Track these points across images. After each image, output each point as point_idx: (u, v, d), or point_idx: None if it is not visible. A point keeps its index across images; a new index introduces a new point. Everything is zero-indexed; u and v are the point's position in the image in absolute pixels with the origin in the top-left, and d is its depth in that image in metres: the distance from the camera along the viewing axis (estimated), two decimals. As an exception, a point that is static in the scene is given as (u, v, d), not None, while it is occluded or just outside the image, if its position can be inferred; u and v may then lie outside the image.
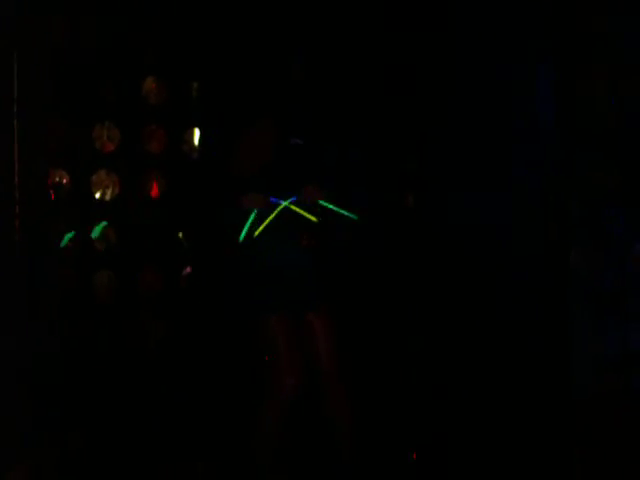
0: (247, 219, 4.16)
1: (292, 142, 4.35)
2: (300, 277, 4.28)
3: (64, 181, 5.02)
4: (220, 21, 5.17)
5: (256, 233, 4.18)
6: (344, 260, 4.94)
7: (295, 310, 4.29)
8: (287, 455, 4.46)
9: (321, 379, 4.28)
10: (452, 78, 5.24)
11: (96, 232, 4.68)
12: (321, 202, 4.27)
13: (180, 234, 5.19)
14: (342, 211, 4.30)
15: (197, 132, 5.24)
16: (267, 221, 4.18)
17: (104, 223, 4.68)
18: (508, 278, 5.01)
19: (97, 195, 5.10)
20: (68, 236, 4.63)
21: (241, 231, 4.18)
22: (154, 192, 5.18)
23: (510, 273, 5.02)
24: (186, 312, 5.19)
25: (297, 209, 4.23)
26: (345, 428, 4.29)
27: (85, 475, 4.62)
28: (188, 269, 5.16)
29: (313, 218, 4.24)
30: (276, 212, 4.19)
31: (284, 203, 4.20)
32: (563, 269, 4.90)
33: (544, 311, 4.88)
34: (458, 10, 5.18)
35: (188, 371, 5.14)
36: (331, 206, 4.29)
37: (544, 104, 4.98)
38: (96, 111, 5.10)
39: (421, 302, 5.32)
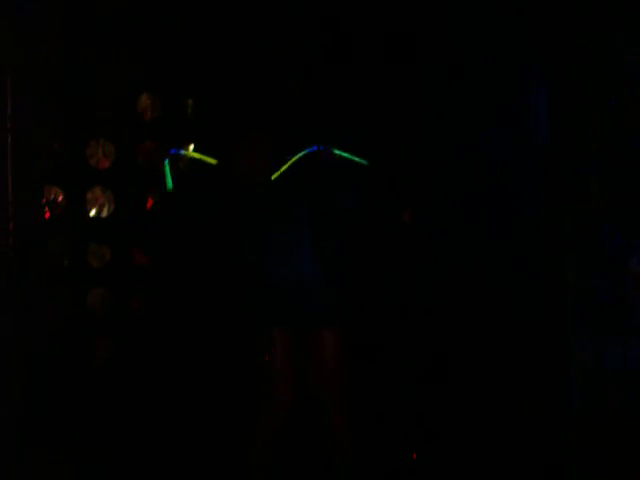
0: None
1: (288, 158, 4.32)
2: (311, 291, 4.16)
3: (59, 198, 5.00)
4: (215, 37, 5.17)
5: (276, 175, 4.12)
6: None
7: (300, 326, 4.18)
8: (283, 470, 4.44)
9: (321, 398, 4.18)
10: (448, 94, 5.25)
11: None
12: (336, 151, 4.22)
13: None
14: (355, 158, 4.25)
15: (192, 148, 5.23)
16: (288, 164, 4.11)
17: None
18: (506, 295, 5.00)
19: (92, 212, 5.07)
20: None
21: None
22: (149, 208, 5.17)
23: (508, 290, 5.01)
24: (185, 324, 5.16)
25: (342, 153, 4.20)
26: (344, 448, 4.19)
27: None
28: None
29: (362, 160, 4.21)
30: (295, 158, 4.13)
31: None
32: (561, 286, 4.90)
33: (543, 327, 4.87)
34: (454, 27, 5.20)
35: (186, 382, 5.10)
36: (345, 154, 4.24)
37: (539, 121, 4.99)
38: (91, 128, 5.07)
39: (420, 316, 5.30)
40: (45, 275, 4.69)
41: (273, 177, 4.19)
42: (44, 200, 4.91)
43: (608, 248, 4.92)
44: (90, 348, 4.99)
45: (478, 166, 5.15)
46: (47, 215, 4.92)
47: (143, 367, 5.06)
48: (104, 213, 5.08)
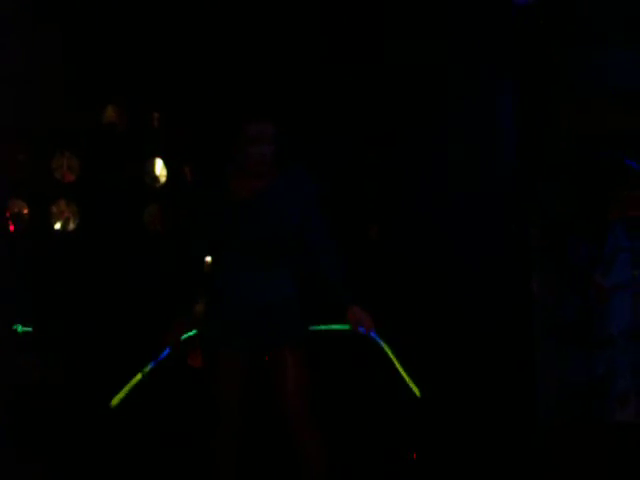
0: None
1: None
2: (273, 311, 4.03)
3: (23, 211, 4.97)
4: (181, 51, 5.17)
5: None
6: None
7: (258, 347, 4.05)
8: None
9: (288, 419, 4.10)
10: (414, 109, 5.27)
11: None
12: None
13: None
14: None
15: (158, 162, 5.22)
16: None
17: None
18: (472, 309, 5.01)
19: (57, 226, 5.04)
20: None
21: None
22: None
23: (474, 304, 5.02)
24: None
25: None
26: (317, 463, 4.04)
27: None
28: None
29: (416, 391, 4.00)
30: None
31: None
32: (526, 299, 4.92)
33: (509, 341, 4.89)
34: (424, 41, 5.23)
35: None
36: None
37: (507, 134, 5.02)
38: (56, 141, 5.05)
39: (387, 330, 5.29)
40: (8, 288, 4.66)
41: None
42: (8, 214, 4.89)
43: (572, 261, 4.95)
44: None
45: (445, 181, 5.18)
46: (11, 229, 4.89)
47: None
48: (69, 226, 5.05)
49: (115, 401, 3.89)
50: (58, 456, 4.78)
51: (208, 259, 5.05)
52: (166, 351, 4.03)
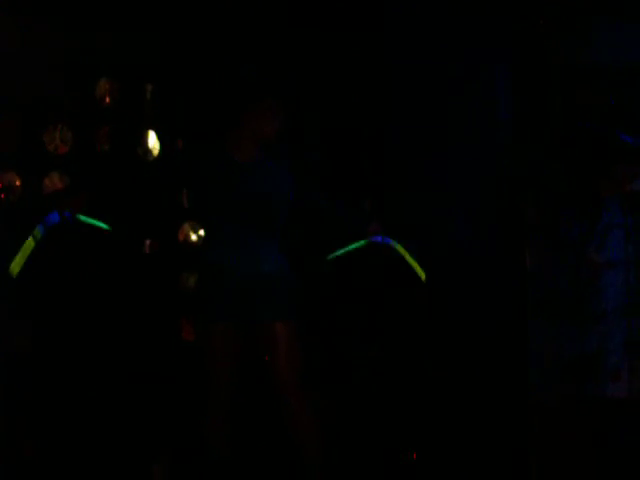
0: None
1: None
2: (265, 285, 4.09)
3: (16, 183, 4.95)
4: (174, 23, 5.15)
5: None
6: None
7: (251, 320, 4.09)
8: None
9: (282, 394, 4.11)
10: (410, 84, 5.26)
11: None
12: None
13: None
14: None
15: (151, 134, 5.20)
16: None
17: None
18: (465, 283, 5.02)
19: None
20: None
21: None
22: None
23: (467, 278, 5.03)
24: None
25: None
26: (312, 446, 4.05)
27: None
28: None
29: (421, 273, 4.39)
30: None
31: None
32: (520, 273, 4.92)
33: (501, 315, 4.90)
34: (416, 21, 5.22)
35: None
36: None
37: (501, 111, 5.01)
38: (49, 112, 5.02)
39: (380, 309, 5.30)
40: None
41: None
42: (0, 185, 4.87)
43: (565, 237, 4.95)
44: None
45: (440, 155, 5.18)
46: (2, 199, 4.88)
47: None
48: (61, 198, 5.02)
49: (15, 268, 3.82)
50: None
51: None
52: (55, 216, 3.95)
